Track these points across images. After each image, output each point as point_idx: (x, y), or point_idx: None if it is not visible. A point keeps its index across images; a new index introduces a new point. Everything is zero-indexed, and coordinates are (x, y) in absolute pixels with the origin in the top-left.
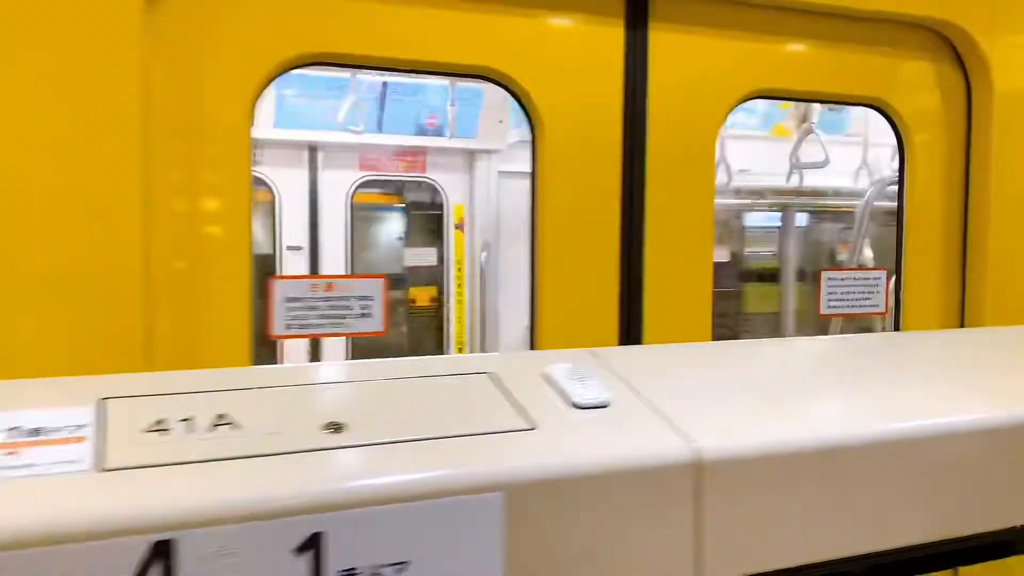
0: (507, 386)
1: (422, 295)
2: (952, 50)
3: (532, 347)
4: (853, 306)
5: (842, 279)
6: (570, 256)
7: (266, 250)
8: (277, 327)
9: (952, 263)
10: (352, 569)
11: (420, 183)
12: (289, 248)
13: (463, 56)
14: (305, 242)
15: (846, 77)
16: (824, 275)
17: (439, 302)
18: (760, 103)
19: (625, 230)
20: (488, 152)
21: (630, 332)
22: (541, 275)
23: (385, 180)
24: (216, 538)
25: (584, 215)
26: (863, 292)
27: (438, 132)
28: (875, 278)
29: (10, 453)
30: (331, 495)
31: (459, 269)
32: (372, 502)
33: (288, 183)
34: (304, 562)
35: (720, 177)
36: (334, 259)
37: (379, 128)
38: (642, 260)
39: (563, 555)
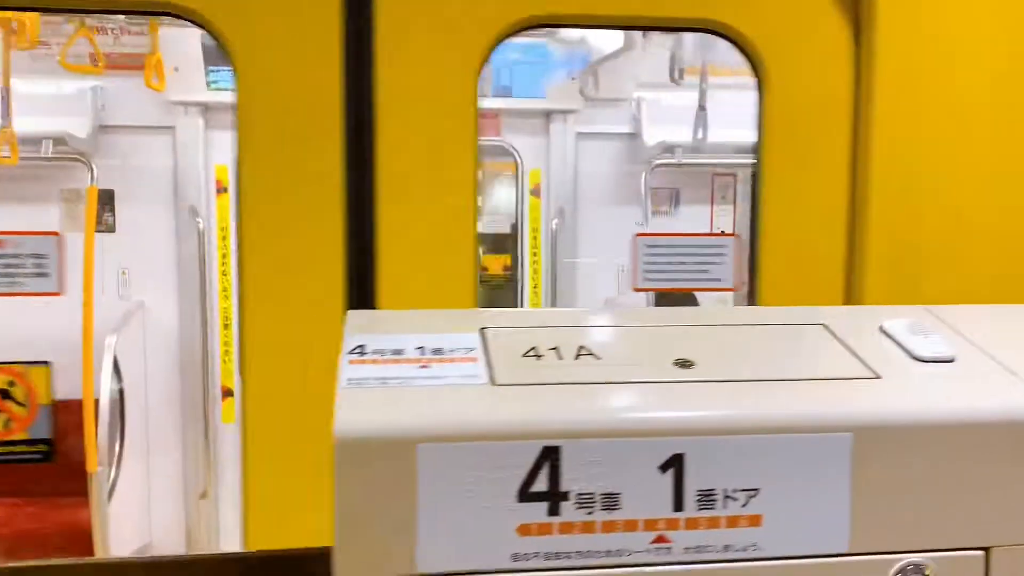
0: (843, 337)
1: (494, 263)
2: None
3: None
4: (685, 279)
5: (665, 246)
6: (279, 213)
7: None
8: None
9: (829, 233)
10: (710, 490)
11: (495, 146)
12: None
13: None
14: None
15: None
16: (639, 240)
17: (512, 270)
18: None
19: (352, 188)
20: (564, 112)
21: (360, 298)
22: (245, 234)
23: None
24: (595, 448)
25: (296, 167)
26: (699, 262)
27: (503, 92)
28: (718, 245)
29: (423, 367)
30: (693, 421)
31: (534, 236)
32: (729, 431)
33: None
34: (668, 479)
35: None
36: None
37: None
38: (373, 220)
39: (906, 501)
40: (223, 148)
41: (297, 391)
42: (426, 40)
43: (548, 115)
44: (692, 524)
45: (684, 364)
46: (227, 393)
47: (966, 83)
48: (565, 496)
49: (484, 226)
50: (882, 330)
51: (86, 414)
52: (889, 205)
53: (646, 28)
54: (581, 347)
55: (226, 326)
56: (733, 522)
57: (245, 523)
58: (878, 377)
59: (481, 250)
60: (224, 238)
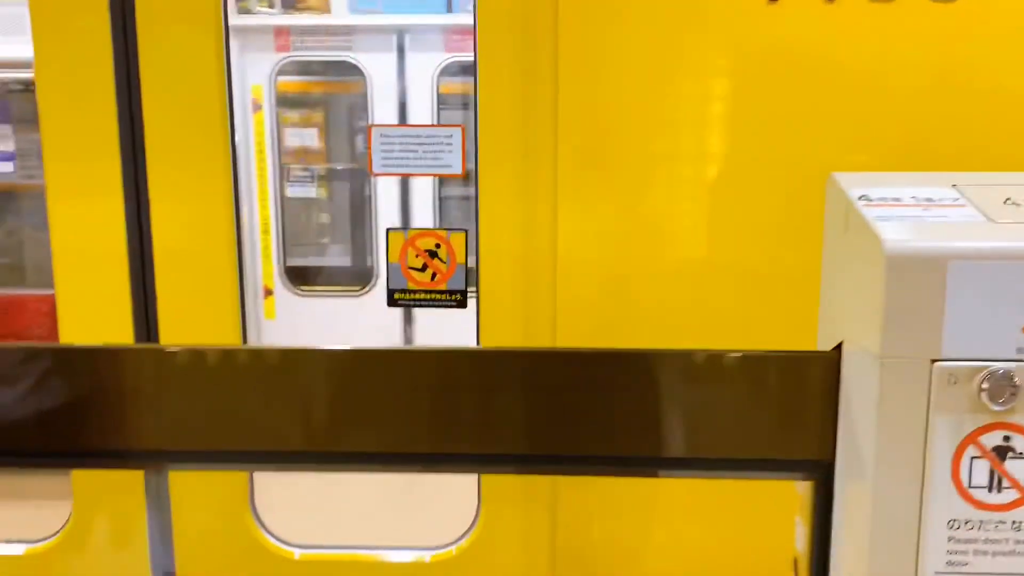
0: None
1: None
2: None
3: None
4: (418, 166)
5: (398, 136)
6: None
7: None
8: None
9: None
10: None
11: None
12: None
13: None
14: (395, 122)
15: None
16: (374, 130)
17: None
18: None
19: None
20: None
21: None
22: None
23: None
24: None
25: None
26: (430, 151)
27: None
28: (446, 136)
29: (925, 209)
30: None
31: None
32: None
33: (378, 67)
34: None
35: None
36: None
37: (448, 8)
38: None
39: None
40: (257, 69)
41: None
42: None
43: None
44: None
45: None
46: (268, 292)
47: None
48: None
49: None
50: None
51: None
52: (577, 106)
53: None
54: None
55: (265, 231)
56: None
57: None
58: None
59: None
60: (260, 151)
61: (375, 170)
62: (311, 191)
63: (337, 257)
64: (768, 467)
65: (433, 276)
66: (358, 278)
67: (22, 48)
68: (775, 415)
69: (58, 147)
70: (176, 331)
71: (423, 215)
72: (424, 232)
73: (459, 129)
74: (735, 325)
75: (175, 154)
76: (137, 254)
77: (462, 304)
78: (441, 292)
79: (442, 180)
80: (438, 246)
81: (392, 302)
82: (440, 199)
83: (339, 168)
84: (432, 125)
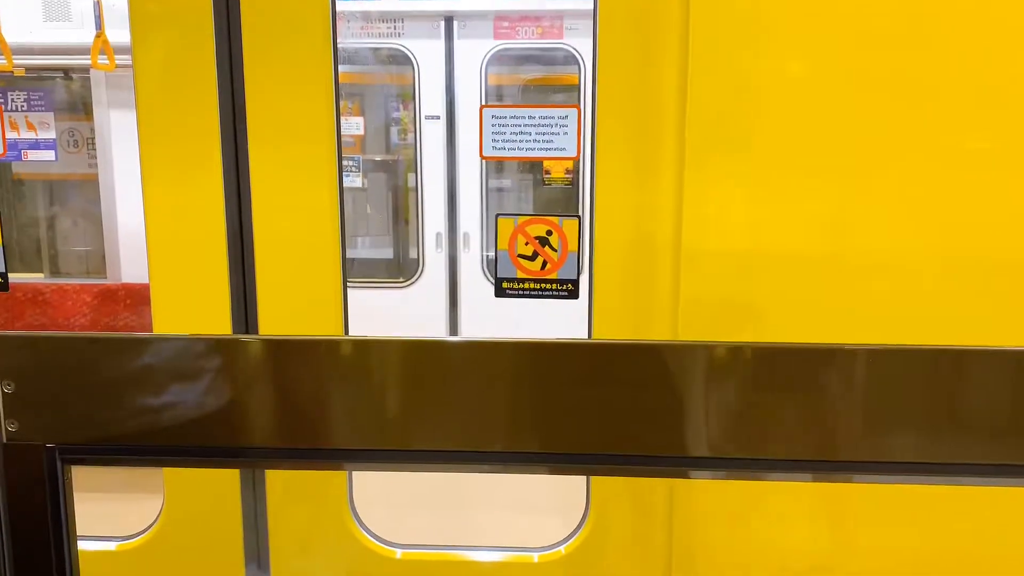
0: None
1: (556, 167)
2: None
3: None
4: (531, 149)
5: (510, 117)
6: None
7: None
8: None
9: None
10: None
11: (555, 51)
12: (427, 117)
13: None
14: (443, 111)
15: None
16: (486, 112)
17: (574, 173)
18: None
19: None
20: None
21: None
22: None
23: (519, 49)
24: None
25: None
26: (544, 133)
27: None
28: (561, 117)
29: None
30: None
31: None
32: None
33: (426, 54)
34: None
35: None
36: (470, 127)
37: None
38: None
39: None
40: None
41: None
42: None
43: None
44: None
45: None
46: None
47: None
48: None
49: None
50: None
51: None
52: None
53: None
54: None
55: None
56: None
57: None
58: None
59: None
60: None
61: (486, 153)
62: (356, 181)
63: (380, 248)
64: None
65: (544, 264)
66: (402, 270)
67: (63, 35)
68: None
69: (155, 131)
70: (275, 322)
71: (470, 206)
72: (534, 218)
73: (575, 110)
74: (888, 318)
75: (278, 138)
76: (236, 240)
77: (573, 295)
78: (551, 281)
79: (488, 171)
80: (549, 233)
81: (500, 292)
82: (487, 190)
83: (380, 159)
84: (546, 106)
